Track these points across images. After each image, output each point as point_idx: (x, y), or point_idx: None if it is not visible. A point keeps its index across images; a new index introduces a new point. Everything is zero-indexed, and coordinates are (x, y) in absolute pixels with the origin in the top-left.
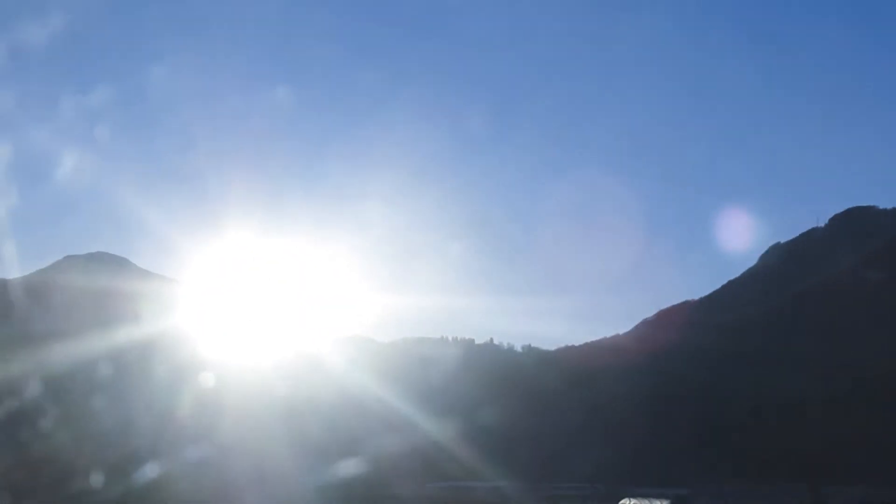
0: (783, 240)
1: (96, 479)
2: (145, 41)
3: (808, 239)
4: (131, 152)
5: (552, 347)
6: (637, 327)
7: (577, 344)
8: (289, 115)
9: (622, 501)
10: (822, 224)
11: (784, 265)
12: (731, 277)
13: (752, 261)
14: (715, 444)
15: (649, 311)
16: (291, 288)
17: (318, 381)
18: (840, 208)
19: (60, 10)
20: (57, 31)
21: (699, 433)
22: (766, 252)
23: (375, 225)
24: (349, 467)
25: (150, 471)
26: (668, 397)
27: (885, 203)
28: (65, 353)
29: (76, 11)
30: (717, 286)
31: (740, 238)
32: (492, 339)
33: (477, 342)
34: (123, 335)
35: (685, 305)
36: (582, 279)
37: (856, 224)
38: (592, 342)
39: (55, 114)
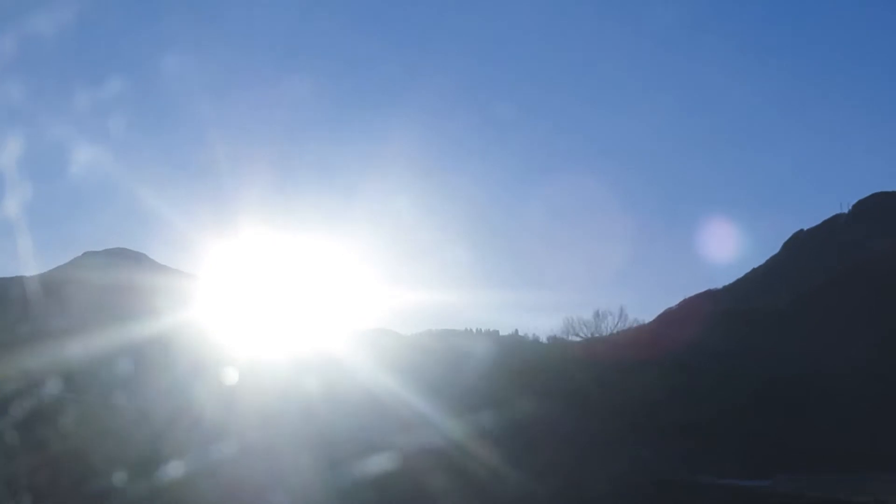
0: (806, 227)
1: (117, 478)
2: (159, 35)
3: (833, 225)
4: (148, 147)
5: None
6: (661, 317)
7: (601, 335)
8: (306, 109)
9: None
10: (845, 210)
11: (808, 252)
12: (755, 265)
13: (776, 248)
14: (731, 437)
15: (673, 301)
16: (311, 281)
17: (340, 375)
18: (864, 194)
19: (74, 1)
20: (69, 24)
21: (721, 425)
22: (790, 239)
23: (396, 218)
24: (373, 465)
25: (169, 470)
26: (692, 388)
27: None
28: (83, 349)
29: (91, 2)
30: (741, 275)
31: (762, 225)
32: (516, 331)
33: (502, 334)
34: (142, 331)
35: (708, 294)
36: (603, 269)
37: (880, 210)
38: (618, 333)
39: (69, 109)
